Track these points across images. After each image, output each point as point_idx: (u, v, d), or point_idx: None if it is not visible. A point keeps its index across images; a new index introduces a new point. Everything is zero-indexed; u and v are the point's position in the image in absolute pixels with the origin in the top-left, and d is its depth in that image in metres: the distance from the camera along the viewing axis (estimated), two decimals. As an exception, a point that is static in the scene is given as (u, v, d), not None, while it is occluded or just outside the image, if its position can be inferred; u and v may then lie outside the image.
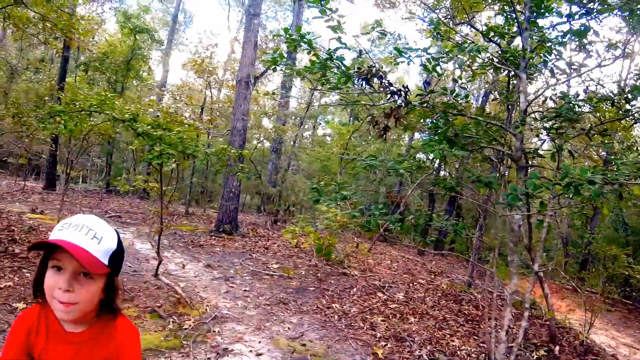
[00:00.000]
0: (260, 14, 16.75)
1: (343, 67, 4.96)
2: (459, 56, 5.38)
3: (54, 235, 1.55)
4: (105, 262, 1.58)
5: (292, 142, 25.78)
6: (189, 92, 26.36)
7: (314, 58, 5.03)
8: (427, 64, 5.14)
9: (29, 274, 6.76)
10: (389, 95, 5.29)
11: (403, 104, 5.16)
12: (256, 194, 24.09)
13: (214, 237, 13.13)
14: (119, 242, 1.68)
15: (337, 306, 7.51)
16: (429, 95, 5.24)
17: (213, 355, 5.06)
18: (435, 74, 5.62)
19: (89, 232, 1.56)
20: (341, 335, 6.26)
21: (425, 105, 5.25)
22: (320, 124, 31.75)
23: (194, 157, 8.16)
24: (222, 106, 24.54)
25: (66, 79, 21.18)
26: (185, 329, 5.67)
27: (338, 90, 5.37)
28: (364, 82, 5.07)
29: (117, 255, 1.65)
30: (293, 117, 25.38)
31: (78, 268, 1.53)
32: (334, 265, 10.45)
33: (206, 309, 6.52)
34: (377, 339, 6.25)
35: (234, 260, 10.25)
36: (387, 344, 6.09)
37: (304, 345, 5.77)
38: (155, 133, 6.94)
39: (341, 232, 11.33)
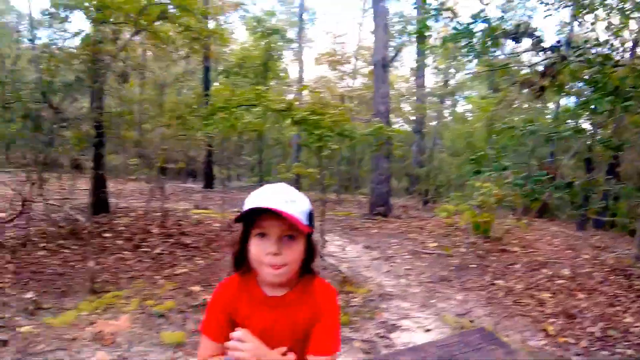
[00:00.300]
0: (384, -5, 16.50)
1: (489, 26, 4.76)
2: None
3: (250, 205, 1.61)
4: (305, 222, 1.62)
5: (434, 122, 25.37)
6: (326, 83, 26.92)
7: (452, 25, 4.90)
8: (576, 12, 4.82)
9: (201, 261, 7.38)
10: (539, 54, 5.02)
11: (558, 61, 4.86)
12: (405, 175, 24.01)
13: (368, 220, 13.32)
14: (310, 203, 1.72)
15: (500, 283, 7.26)
16: (583, 48, 4.90)
17: (382, 330, 5.12)
18: (588, 25, 5.25)
19: (284, 197, 1.61)
20: (508, 312, 6.05)
21: (581, 58, 4.91)
22: (458, 100, 30.99)
23: (351, 139, 8.32)
24: (360, 93, 24.73)
25: (210, 88, 22.40)
26: (353, 306, 5.79)
27: (482, 57, 5.19)
28: (513, 41, 4.84)
29: (311, 215, 1.70)
30: (431, 97, 24.95)
31: (282, 231, 1.60)
32: (493, 242, 10.13)
33: (371, 288, 6.62)
34: (546, 316, 5.95)
35: (391, 240, 10.28)
36: (557, 321, 5.77)
37: (471, 321, 5.66)
38: (312, 118, 7.19)
39: (496, 208, 10.94)
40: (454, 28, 4.72)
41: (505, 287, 7.03)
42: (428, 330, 5.25)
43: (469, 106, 27.87)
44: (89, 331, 4.59)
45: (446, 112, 26.82)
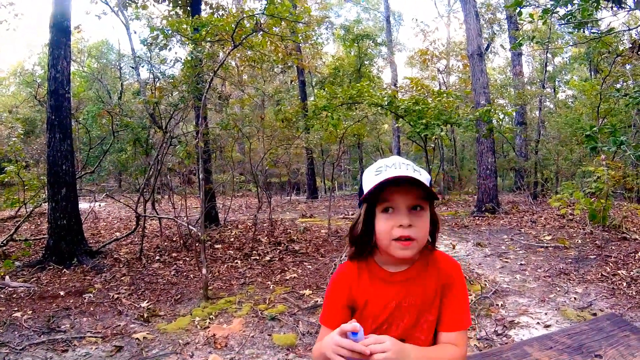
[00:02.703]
0: (471, -17, 16.05)
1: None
2: None
3: (374, 180, 1.51)
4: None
5: (536, 111, 24.44)
6: (420, 83, 27.04)
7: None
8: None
9: (310, 266, 7.53)
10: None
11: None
12: (510, 170, 23.25)
13: (477, 218, 13.07)
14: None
15: (623, 273, 6.79)
16: None
17: (499, 328, 4.92)
18: None
19: (408, 167, 1.52)
20: (633, 303, 5.60)
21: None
22: (560, 86, 29.67)
23: (458, 125, 8.20)
24: (456, 89, 24.31)
25: (306, 100, 22.98)
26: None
27: (583, 27, 4.85)
28: (615, 5, 4.49)
29: (432, 185, 1.60)
30: (529, 86, 24.01)
31: (410, 202, 1.52)
32: (611, 230, 9.55)
33: (485, 284, 6.41)
34: (675, 305, 5.51)
35: (503, 236, 10.02)
36: (688, 311, 5.33)
37: (594, 314, 5.30)
38: (416, 108, 7.15)
39: (612, 192, 10.27)
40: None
41: (629, 277, 6.59)
42: (548, 326, 4.99)
43: (570, 92, 26.80)
44: (202, 335, 4.73)
45: (547, 101, 25.65)
